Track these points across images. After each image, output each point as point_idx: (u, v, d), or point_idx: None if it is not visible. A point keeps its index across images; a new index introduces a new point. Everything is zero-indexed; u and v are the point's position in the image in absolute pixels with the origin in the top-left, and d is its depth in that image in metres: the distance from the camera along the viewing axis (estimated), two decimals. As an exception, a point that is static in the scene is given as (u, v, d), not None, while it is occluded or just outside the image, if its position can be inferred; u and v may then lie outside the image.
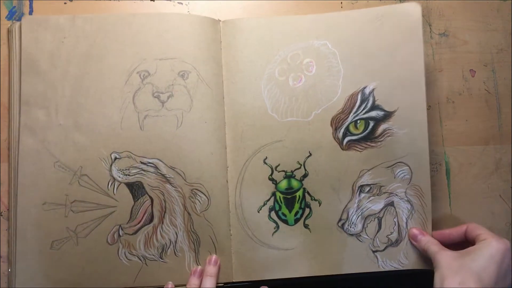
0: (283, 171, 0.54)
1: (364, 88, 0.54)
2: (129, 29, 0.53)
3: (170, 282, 0.52)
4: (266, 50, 0.55)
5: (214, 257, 0.53)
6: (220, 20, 0.55)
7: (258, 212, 0.54)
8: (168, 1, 0.58)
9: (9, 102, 0.54)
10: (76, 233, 0.51)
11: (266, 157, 0.54)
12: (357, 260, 0.54)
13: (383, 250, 0.55)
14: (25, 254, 0.51)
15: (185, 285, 0.52)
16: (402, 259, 0.54)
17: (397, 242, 0.55)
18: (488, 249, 0.47)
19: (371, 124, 0.54)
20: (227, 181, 0.53)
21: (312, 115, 0.54)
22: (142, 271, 0.52)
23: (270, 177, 0.54)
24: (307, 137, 0.54)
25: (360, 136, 0.54)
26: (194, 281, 0.51)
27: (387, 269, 0.54)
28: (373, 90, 0.54)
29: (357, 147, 0.54)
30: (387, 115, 0.54)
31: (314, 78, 0.54)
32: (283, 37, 0.55)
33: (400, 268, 0.54)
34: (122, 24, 0.53)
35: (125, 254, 0.52)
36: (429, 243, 0.52)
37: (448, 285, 0.45)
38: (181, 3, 0.58)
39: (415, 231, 0.54)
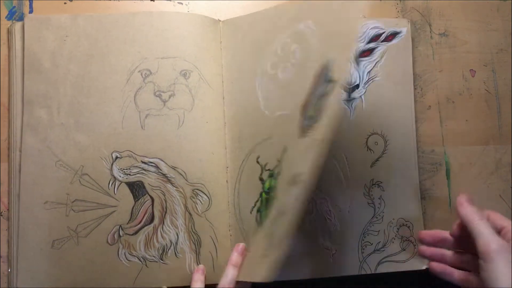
0: (268, 170, 0.51)
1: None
2: (130, 28, 0.53)
3: (202, 265, 0.51)
4: (260, 45, 0.53)
5: (242, 245, 0.50)
6: (220, 20, 0.55)
7: (251, 213, 0.52)
8: (168, 1, 0.58)
9: (9, 102, 0.53)
10: (77, 233, 0.51)
11: (259, 156, 0.52)
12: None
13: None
14: (26, 253, 0.50)
15: (185, 286, 0.51)
16: None
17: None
18: None
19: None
20: (227, 181, 0.53)
21: (297, 106, 0.48)
22: (142, 272, 0.51)
23: (260, 176, 0.52)
24: (289, 131, 0.48)
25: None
26: (198, 276, 0.50)
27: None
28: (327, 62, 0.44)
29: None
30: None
31: (299, 65, 0.50)
32: (274, 27, 0.52)
33: None
34: (123, 23, 0.53)
35: (125, 254, 0.51)
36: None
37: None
38: (181, 3, 0.58)
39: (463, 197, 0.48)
